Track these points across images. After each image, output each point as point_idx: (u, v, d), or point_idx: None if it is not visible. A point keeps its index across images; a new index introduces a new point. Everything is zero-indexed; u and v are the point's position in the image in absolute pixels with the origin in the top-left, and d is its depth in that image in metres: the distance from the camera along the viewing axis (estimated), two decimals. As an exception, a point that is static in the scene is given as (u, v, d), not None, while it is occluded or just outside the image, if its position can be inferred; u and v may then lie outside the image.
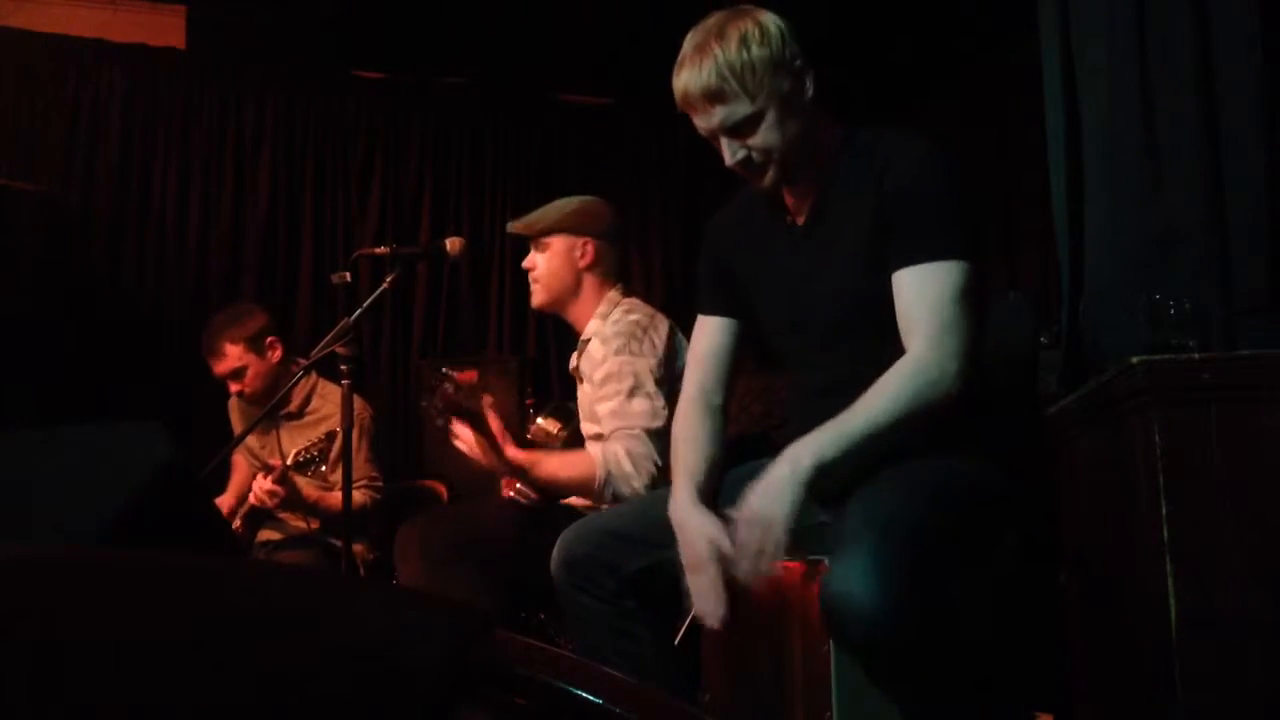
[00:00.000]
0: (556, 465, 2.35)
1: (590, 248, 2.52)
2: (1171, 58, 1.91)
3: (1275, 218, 1.80)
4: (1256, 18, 1.82)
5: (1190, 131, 1.88)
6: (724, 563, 1.51)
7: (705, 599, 1.54)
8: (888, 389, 1.51)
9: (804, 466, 1.48)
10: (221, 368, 3.22)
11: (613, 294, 2.54)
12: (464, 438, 2.36)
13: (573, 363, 2.56)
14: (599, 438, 2.37)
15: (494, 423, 2.28)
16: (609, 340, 2.40)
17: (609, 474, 2.27)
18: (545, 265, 2.53)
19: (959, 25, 4.30)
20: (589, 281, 2.53)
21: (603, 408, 2.35)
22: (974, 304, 1.56)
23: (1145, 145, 1.94)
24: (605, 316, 2.50)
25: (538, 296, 2.57)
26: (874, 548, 1.35)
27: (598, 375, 2.38)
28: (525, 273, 2.59)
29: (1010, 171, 4.47)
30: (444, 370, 2.35)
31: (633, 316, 2.43)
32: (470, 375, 2.45)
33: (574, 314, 2.57)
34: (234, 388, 3.25)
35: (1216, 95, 1.86)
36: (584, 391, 2.50)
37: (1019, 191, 4.39)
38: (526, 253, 2.59)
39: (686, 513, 1.63)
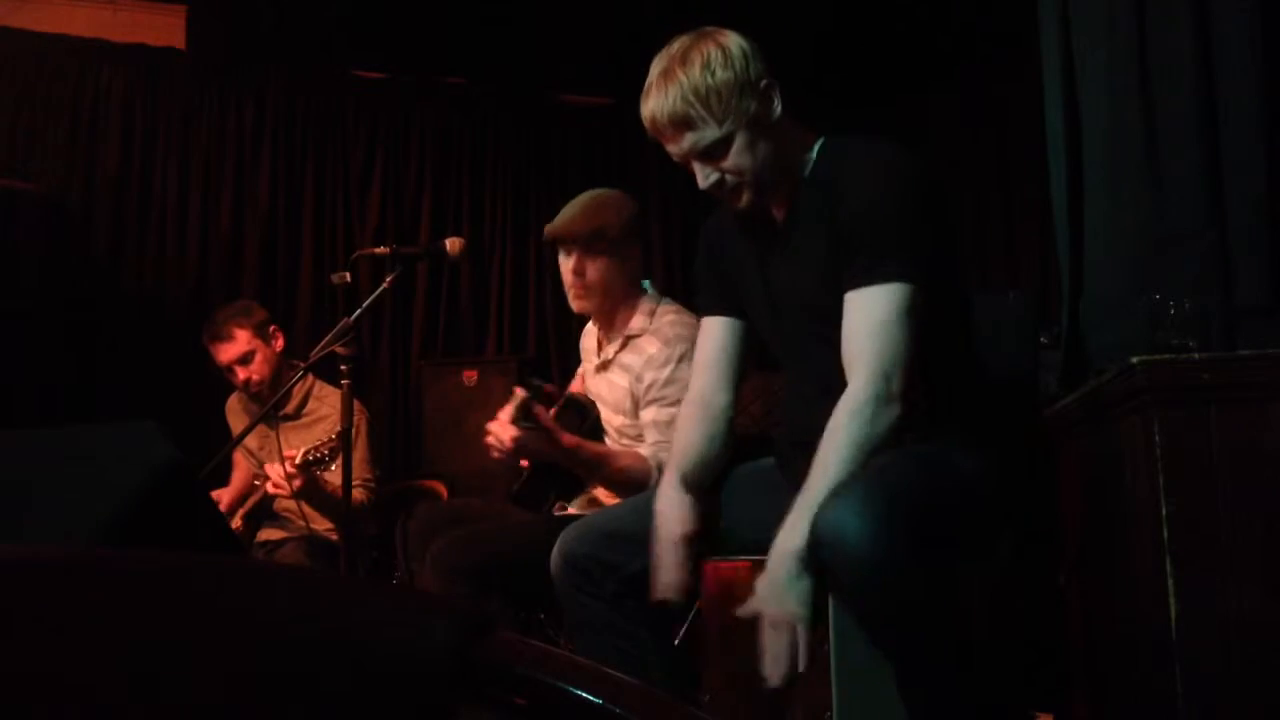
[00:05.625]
0: (610, 460, 2.29)
1: (638, 252, 2.48)
2: (1171, 58, 1.91)
3: (1275, 218, 1.80)
4: (1257, 17, 1.82)
5: (1190, 132, 1.88)
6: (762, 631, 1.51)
7: (666, 570, 1.67)
8: (834, 443, 1.51)
9: (795, 557, 1.46)
10: (229, 353, 3.19)
11: (653, 293, 2.51)
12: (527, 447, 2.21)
13: (608, 354, 2.49)
14: (639, 439, 2.35)
15: (544, 419, 2.20)
16: (672, 343, 2.34)
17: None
18: (604, 274, 2.41)
19: (959, 25, 4.30)
20: (633, 284, 2.49)
21: (658, 413, 2.30)
22: (914, 325, 1.54)
23: (1145, 146, 1.94)
24: (652, 315, 2.45)
25: (588, 302, 2.45)
26: (867, 491, 1.39)
27: (661, 375, 2.32)
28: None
29: (1010, 172, 4.47)
30: (534, 381, 2.23)
31: (686, 319, 2.38)
32: (551, 387, 2.39)
33: (619, 317, 2.49)
34: (241, 375, 3.21)
35: (1216, 95, 1.86)
36: (613, 383, 2.45)
37: (1019, 192, 4.39)
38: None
39: (664, 496, 1.74)
